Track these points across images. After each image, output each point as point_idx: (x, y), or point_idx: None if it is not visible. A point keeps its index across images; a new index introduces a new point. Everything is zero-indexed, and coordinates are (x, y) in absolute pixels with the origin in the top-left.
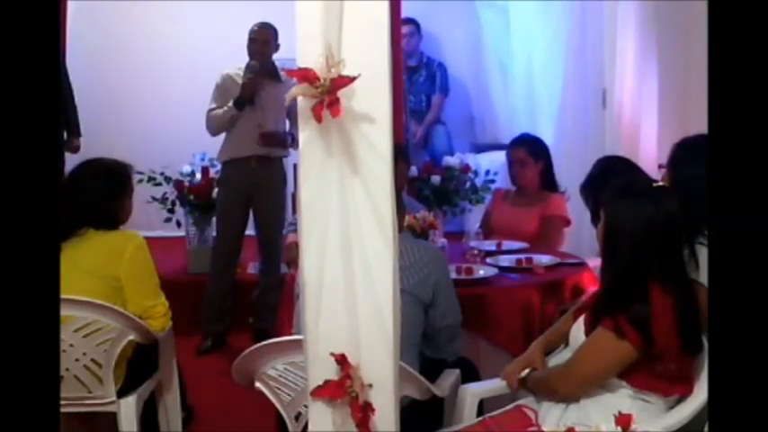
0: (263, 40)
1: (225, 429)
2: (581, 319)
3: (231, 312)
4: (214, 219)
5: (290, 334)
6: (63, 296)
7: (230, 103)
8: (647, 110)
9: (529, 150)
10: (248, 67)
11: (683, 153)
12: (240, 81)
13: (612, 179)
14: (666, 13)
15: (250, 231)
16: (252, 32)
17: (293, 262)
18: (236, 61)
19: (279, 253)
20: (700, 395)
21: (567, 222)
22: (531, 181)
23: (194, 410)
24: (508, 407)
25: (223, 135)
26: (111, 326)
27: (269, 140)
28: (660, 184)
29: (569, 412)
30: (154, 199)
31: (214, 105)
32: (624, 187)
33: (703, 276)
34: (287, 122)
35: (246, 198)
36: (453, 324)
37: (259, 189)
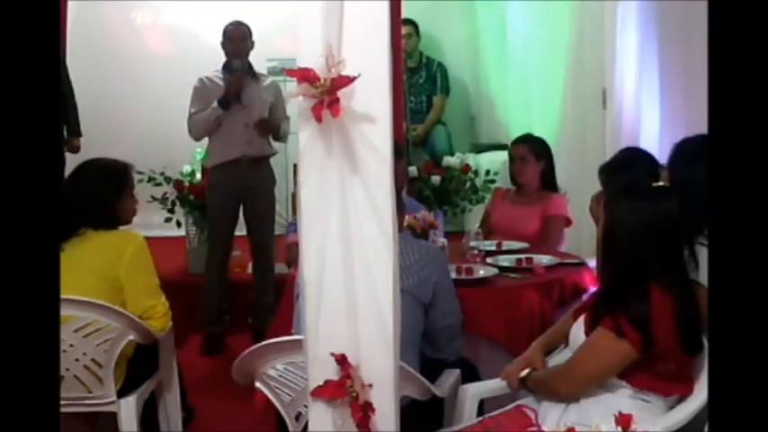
0: (241, 37)
1: (225, 429)
2: (581, 319)
3: (229, 313)
4: None
5: (288, 334)
6: (63, 296)
7: (214, 104)
8: (647, 110)
9: (531, 148)
10: (229, 66)
11: (683, 153)
12: (220, 83)
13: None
14: (666, 13)
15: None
16: (228, 31)
17: (293, 262)
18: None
19: (272, 252)
20: (700, 395)
21: (569, 222)
22: (532, 179)
23: (194, 410)
24: (508, 407)
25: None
26: (112, 326)
27: (264, 127)
28: (660, 184)
29: (569, 412)
30: (154, 199)
31: (195, 109)
32: (624, 187)
33: (703, 276)
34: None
35: (237, 200)
36: (453, 324)
37: (251, 191)
